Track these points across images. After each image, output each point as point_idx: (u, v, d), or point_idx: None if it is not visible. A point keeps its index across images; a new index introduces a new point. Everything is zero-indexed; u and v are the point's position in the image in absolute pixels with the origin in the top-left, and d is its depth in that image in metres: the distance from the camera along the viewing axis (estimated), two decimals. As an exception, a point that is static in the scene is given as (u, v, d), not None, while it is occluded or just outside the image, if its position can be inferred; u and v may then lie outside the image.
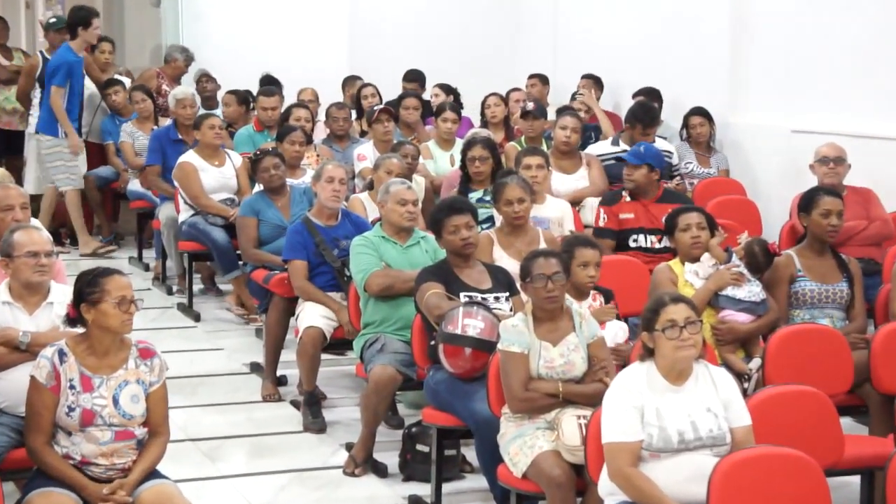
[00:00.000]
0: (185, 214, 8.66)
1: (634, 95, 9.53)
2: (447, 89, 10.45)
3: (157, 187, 9.28)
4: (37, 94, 10.22)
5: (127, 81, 11.03)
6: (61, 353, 4.56)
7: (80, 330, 4.66)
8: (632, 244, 7.21)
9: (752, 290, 5.90)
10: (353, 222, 7.10)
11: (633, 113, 8.45)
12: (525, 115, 8.84)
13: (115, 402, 4.55)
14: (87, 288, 4.57)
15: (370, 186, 7.72)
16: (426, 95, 10.59)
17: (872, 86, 8.19)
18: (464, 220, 5.85)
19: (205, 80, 11.00)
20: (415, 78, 10.79)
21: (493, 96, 10.00)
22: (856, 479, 5.36)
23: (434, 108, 9.63)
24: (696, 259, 6.02)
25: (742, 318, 5.87)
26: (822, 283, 6.13)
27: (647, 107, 8.57)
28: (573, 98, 9.94)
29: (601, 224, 7.29)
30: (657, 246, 7.12)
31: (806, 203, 6.28)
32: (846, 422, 5.85)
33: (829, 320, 6.07)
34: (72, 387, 4.53)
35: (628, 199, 7.31)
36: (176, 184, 8.73)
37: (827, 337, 5.70)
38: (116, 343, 4.63)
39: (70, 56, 9.89)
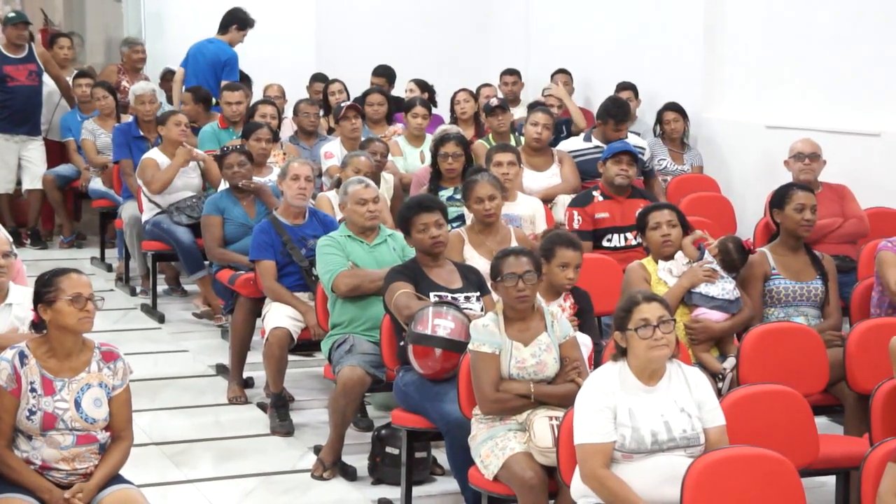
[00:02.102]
0: (148, 213, 8.55)
1: (617, 90, 9.47)
2: (423, 86, 10.36)
3: (131, 184, 9.08)
4: None
5: None
6: (22, 356, 4.48)
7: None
8: (605, 244, 7.14)
9: (725, 288, 5.86)
10: (320, 221, 7.04)
11: (605, 108, 8.39)
12: (492, 111, 8.77)
13: (77, 405, 4.48)
14: (43, 288, 4.52)
15: (338, 184, 7.63)
16: (399, 91, 10.50)
17: (847, 81, 8.21)
18: (433, 218, 5.78)
19: (169, 76, 10.87)
20: (383, 73, 10.69)
21: (462, 92, 9.94)
22: (831, 480, 5.37)
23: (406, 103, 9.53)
24: (667, 257, 5.96)
25: (715, 317, 5.83)
26: (796, 280, 6.10)
27: (620, 102, 8.51)
28: (543, 94, 9.88)
29: (576, 226, 7.16)
30: (632, 243, 7.05)
31: (779, 199, 6.24)
32: (821, 421, 5.85)
33: (803, 318, 6.04)
34: (32, 390, 4.46)
35: (600, 198, 7.23)
36: (139, 182, 8.61)
37: (802, 335, 5.67)
38: (78, 345, 4.56)
39: (232, 51, 10.10)
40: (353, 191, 6.40)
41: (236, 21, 10.20)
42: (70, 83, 10.70)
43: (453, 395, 5.20)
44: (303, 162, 7.13)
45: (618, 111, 8.33)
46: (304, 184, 6.92)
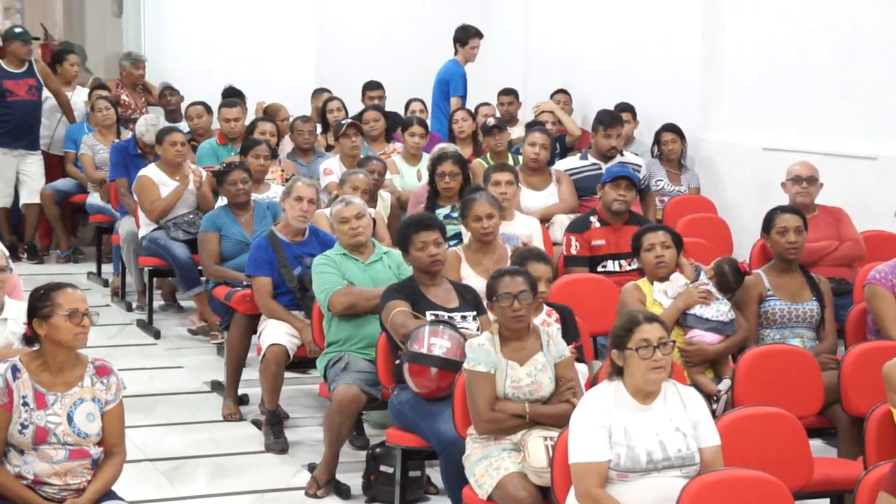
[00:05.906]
0: (145, 229, 8.54)
1: (615, 111, 9.52)
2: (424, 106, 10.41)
3: (127, 203, 9.08)
4: None
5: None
6: (14, 370, 4.46)
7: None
8: (601, 269, 7.13)
9: (720, 310, 5.86)
10: (320, 240, 6.99)
11: (595, 118, 8.51)
12: (489, 130, 8.78)
13: (70, 420, 4.46)
14: (39, 303, 4.49)
15: (335, 201, 7.63)
16: (393, 105, 10.50)
17: (844, 104, 8.23)
18: (432, 237, 5.77)
19: (168, 92, 10.89)
20: (377, 86, 10.65)
21: (461, 111, 9.94)
22: (825, 503, 5.33)
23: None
24: (662, 278, 5.95)
25: (710, 339, 5.82)
26: (791, 302, 6.10)
27: (608, 110, 8.60)
28: (535, 114, 9.92)
29: (574, 252, 7.16)
30: (627, 269, 7.04)
31: (766, 223, 6.29)
32: (816, 444, 5.83)
33: (799, 340, 6.04)
34: (25, 404, 4.43)
35: (598, 224, 7.22)
36: (135, 198, 8.60)
37: (797, 357, 5.67)
38: (72, 360, 4.54)
39: (460, 69, 10.66)
40: (335, 211, 6.42)
41: (458, 40, 10.73)
42: (87, 97, 10.69)
43: (448, 415, 5.19)
44: (307, 183, 7.02)
45: (605, 116, 8.42)
46: (306, 206, 6.87)
